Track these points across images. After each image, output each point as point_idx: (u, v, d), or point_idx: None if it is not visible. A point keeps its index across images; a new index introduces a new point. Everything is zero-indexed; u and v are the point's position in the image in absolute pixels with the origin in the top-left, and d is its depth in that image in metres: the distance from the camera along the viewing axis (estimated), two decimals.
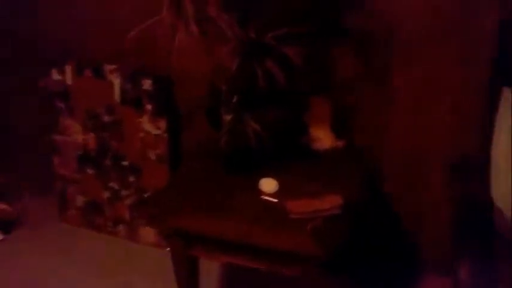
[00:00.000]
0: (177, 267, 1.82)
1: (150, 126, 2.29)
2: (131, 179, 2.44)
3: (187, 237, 1.72)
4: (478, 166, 1.46)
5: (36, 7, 2.40)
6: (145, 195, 2.42)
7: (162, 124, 2.27)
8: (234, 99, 1.73)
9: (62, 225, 2.67)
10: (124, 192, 2.48)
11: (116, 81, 2.28)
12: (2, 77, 2.60)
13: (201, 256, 1.81)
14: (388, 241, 2.08)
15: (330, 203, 1.65)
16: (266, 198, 1.72)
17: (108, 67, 2.28)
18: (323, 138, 1.99)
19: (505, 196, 1.40)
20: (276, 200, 1.70)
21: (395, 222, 2.04)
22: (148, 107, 2.26)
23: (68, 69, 2.36)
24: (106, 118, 2.37)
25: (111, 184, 2.49)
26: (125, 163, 2.42)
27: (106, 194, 2.52)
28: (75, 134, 2.48)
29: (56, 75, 2.39)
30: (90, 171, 2.52)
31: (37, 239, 2.58)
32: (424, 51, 1.76)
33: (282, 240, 1.56)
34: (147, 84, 2.22)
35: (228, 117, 1.78)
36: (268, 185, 1.76)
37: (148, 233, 2.49)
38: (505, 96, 1.41)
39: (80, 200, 2.60)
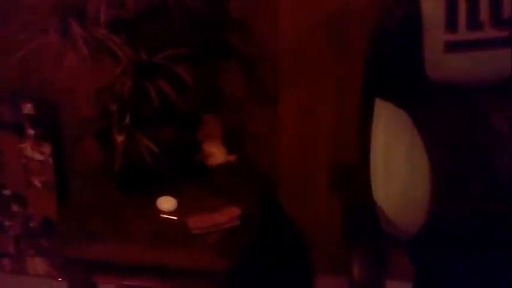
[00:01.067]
0: None
1: (33, 153, 2.17)
2: (15, 208, 2.29)
3: (87, 265, 1.67)
4: (358, 173, 1.62)
5: None
6: (32, 225, 2.28)
7: (47, 149, 2.16)
8: (127, 120, 1.72)
9: None
10: (8, 223, 2.31)
11: None
12: None
13: (104, 282, 1.76)
14: (286, 247, 2.20)
15: (229, 215, 1.71)
16: (165, 216, 1.73)
17: None
18: (216, 154, 2.04)
19: (384, 197, 1.58)
20: (175, 218, 1.72)
21: (291, 228, 2.17)
22: (31, 131, 2.14)
23: None
24: None
25: None
26: (7, 192, 2.26)
27: None
28: None
29: None
30: None
31: None
32: (306, 72, 1.91)
33: (185, 257, 1.58)
34: (27, 108, 2.11)
35: (120, 138, 1.76)
36: (166, 203, 1.77)
37: (36, 264, 2.35)
38: (377, 107, 1.58)
39: None
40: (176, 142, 1.84)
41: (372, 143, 1.61)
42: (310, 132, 2.01)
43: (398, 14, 1.44)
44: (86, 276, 1.70)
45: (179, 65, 1.54)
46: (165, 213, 1.74)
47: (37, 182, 2.22)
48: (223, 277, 1.56)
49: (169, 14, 1.45)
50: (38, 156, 2.18)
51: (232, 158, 2.07)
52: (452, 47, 1.51)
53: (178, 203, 1.77)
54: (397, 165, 1.57)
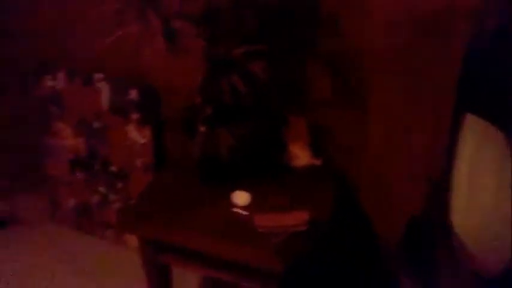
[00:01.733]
0: (148, 274, 1.86)
1: (136, 135, 2.34)
2: (119, 185, 2.49)
3: (158, 245, 1.76)
4: (440, 189, 1.46)
5: (35, 7, 2.46)
6: (131, 202, 2.47)
7: (148, 133, 2.31)
8: (208, 112, 1.77)
9: (52, 226, 2.74)
10: (112, 197, 2.53)
11: (104, 89, 2.34)
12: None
13: (170, 264, 1.84)
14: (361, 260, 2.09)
15: (297, 219, 1.67)
16: (237, 210, 1.75)
17: (96, 75, 2.34)
18: (300, 156, 2.01)
19: (464, 222, 1.40)
20: (246, 213, 1.72)
21: (370, 241, 2.05)
22: (134, 116, 2.31)
23: (60, 75, 2.43)
24: (95, 124, 2.43)
25: (100, 188, 2.55)
26: (113, 169, 2.47)
27: (95, 198, 2.58)
28: (67, 138, 2.54)
29: (49, 81, 2.46)
30: (80, 174, 2.58)
31: (28, 238, 2.66)
32: (396, 74, 1.77)
33: (245, 253, 1.59)
34: (133, 93, 2.27)
35: (202, 129, 1.82)
36: (240, 197, 1.79)
37: (133, 238, 2.53)
38: (467, 123, 1.41)
39: (71, 202, 2.67)
40: (256, 139, 1.84)
41: (457, 160, 1.44)
42: (399, 142, 1.86)
43: (491, 25, 1.26)
44: (155, 255, 1.79)
45: (255, 61, 1.52)
46: (237, 207, 1.76)
47: (138, 163, 2.39)
48: (279, 278, 1.53)
49: (248, 8, 1.44)
50: (140, 139, 2.34)
51: (317, 162, 2.01)
52: None
53: (252, 199, 1.77)
54: (482, 188, 1.38)
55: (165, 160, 2.42)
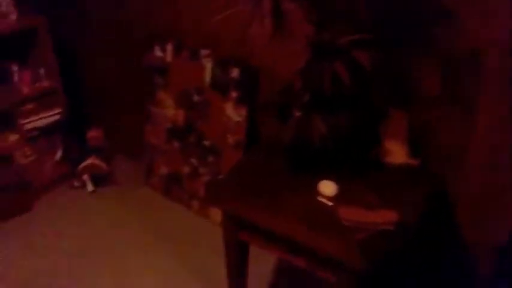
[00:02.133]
0: (227, 248, 1.90)
1: (233, 113, 2.39)
2: (210, 159, 2.57)
3: (240, 223, 1.79)
4: None
5: None
6: (220, 177, 2.54)
7: (244, 112, 2.35)
8: (305, 98, 1.75)
9: (145, 190, 2.90)
10: (202, 170, 2.62)
11: (208, 65, 2.40)
12: (111, 51, 2.87)
13: (249, 242, 1.87)
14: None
15: (384, 218, 1.62)
16: (322, 200, 1.73)
17: (203, 51, 2.40)
18: (396, 153, 1.92)
19: None
20: (331, 204, 1.70)
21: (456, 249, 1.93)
22: (234, 94, 2.35)
23: (169, 47, 2.53)
24: (195, 98, 2.51)
25: (192, 160, 2.64)
26: (206, 143, 2.55)
27: (186, 169, 2.68)
28: (168, 108, 2.66)
29: (158, 52, 2.58)
30: (176, 144, 2.70)
31: (121, 197, 2.85)
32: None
33: (327, 243, 1.57)
34: (235, 72, 2.31)
35: (297, 114, 1.80)
36: (327, 187, 1.76)
37: (217, 212, 2.61)
38: None
39: (163, 170, 2.80)
40: (352, 131, 1.79)
41: None
42: (508, 149, 1.72)
43: None
44: (235, 232, 1.83)
45: (362, 50, 1.48)
46: (323, 197, 1.74)
47: (231, 140, 2.45)
48: (359, 275, 1.49)
49: None
50: (236, 117, 2.39)
51: (413, 162, 1.92)
52: None
53: (339, 191, 1.74)
54: None
55: (257, 140, 2.45)
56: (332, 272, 1.59)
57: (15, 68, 2.53)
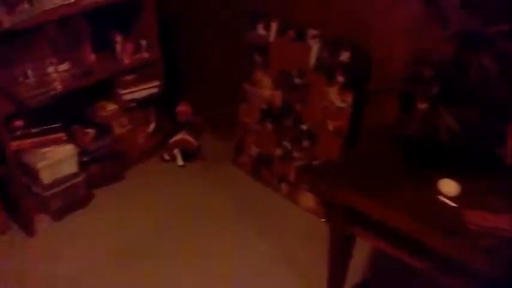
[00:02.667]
0: (333, 240, 1.83)
1: (336, 98, 2.29)
2: (305, 143, 2.50)
3: (349, 214, 1.72)
4: None
5: None
6: (314, 163, 2.47)
7: (349, 98, 2.25)
8: (435, 89, 1.63)
9: (233, 168, 2.88)
10: (296, 154, 2.55)
11: (315, 47, 2.31)
12: (210, 28, 2.83)
13: (358, 236, 1.79)
14: None
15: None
16: (443, 199, 1.62)
17: (310, 31, 2.31)
18: None
19: None
20: (454, 205, 1.59)
21: None
22: (340, 78, 2.26)
23: (273, 26, 2.45)
24: (296, 80, 2.44)
25: (285, 143, 2.58)
26: (304, 127, 2.48)
27: (278, 151, 2.63)
28: (265, 88, 2.60)
29: (261, 30, 2.51)
30: (269, 125, 2.64)
31: (209, 174, 2.84)
32: None
33: (449, 245, 1.47)
34: (344, 55, 2.21)
35: (422, 106, 1.69)
36: (449, 186, 1.65)
37: (307, 198, 2.55)
38: None
39: (254, 150, 2.76)
40: (480, 127, 1.66)
41: None
42: None
43: None
44: (346, 224, 1.76)
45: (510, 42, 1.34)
46: (444, 196, 1.63)
47: (331, 126, 2.36)
48: (488, 283, 1.39)
49: None
50: (340, 103, 2.29)
51: None
52: None
53: (462, 191, 1.63)
54: None
55: (357, 129, 2.35)
56: (459, 279, 1.49)
57: (118, 38, 2.55)
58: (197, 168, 2.89)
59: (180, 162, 2.88)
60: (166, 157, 2.90)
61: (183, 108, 3.06)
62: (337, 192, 1.73)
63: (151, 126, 2.92)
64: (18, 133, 2.27)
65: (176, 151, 2.88)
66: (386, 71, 2.10)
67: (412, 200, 1.62)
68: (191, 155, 2.93)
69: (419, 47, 1.67)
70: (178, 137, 2.88)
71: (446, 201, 1.61)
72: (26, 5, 2.11)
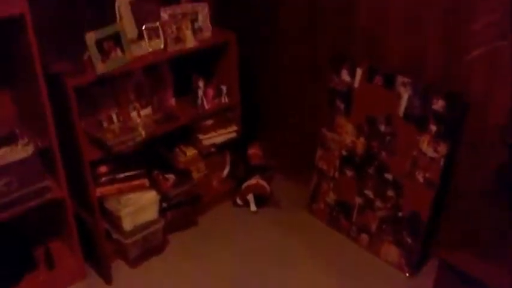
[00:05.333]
0: None
1: (428, 148, 2.19)
2: (390, 193, 2.39)
3: (460, 276, 1.60)
4: None
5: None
6: (400, 214, 2.35)
7: (443, 148, 2.14)
8: None
9: (306, 216, 2.78)
10: (378, 204, 2.44)
11: (405, 94, 2.23)
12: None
13: None
14: None
15: None
16: None
17: (400, 78, 2.24)
18: None
19: None
20: None
21: None
22: (433, 127, 2.16)
23: (359, 72, 2.40)
24: (383, 128, 2.35)
25: (367, 192, 2.48)
26: (388, 176, 2.37)
27: (359, 200, 2.53)
28: (346, 135, 2.53)
29: (345, 76, 2.46)
30: (349, 173, 2.55)
31: (282, 220, 2.75)
32: None
33: None
34: (438, 104, 2.12)
35: None
36: None
37: (391, 251, 2.42)
38: None
39: (331, 197, 2.67)
40: None
41: None
42: None
43: None
44: (453, 284, 1.64)
45: None
46: None
47: (420, 177, 2.25)
48: None
49: None
50: (431, 153, 2.18)
51: None
52: None
53: None
54: None
55: (448, 181, 2.23)
56: None
57: (201, 83, 2.55)
58: (270, 214, 2.81)
59: (253, 207, 2.81)
60: (239, 202, 2.85)
61: (254, 151, 3.02)
62: (447, 254, 1.62)
63: (226, 171, 2.88)
64: (103, 179, 2.27)
65: (249, 196, 2.81)
66: (485, 121, 1.99)
67: None
68: (264, 200, 2.86)
69: None
70: (251, 181, 2.82)
71: None
72: (119, 53, 2.14)
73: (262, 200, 2.86)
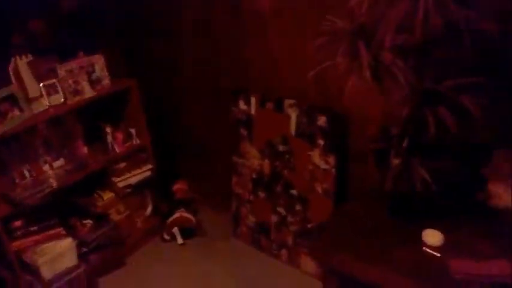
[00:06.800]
0: None
1: (320, 161, 2.37)
2: (298, 207, 2.54)
3: (343, 279, 1.73)
4: None
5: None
6: (309, 226, 2.50)
7: (332, 160, 2.32)
8: (404, 144, 1.70)
9: (232, 241, 2.91)
10: (290, 219, 2.59)
11: (293, 114, 2.42)
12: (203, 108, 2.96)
13: None
14: None
15: (500, 269, 1.50)
16: (428, 250, 1.64)
17: (287, 101, 2.43)
18: (503, 195, 1.81)
19: None
20: (438, 255, 1.61)
21: None
22: (320, 142, 2.34)
23: (253, 100, 2.58)
24: (281, 148, 2.52)
25: (279, 209, 2.63)
26: (294, 192, 2.54)
27: (274, 218, 2.67)
28: (253, 159, 2.69)
29: (242, 105, 2.64)
30: (262, 194, 2.70)
31: (210, 249, 2.86)
32: None
33: None
34: (321, 120, 2.31)
35: (396, 161, 1.75)
36: (432, 236, 1.68)
37: (308, 262, 2.56)
38: None
39: (250, 220, 2.80)
40: (454, 175, 1.71)
41: None
42: None
43: None
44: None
45: (466, 94, 1.42)
46: (428, 247, 1.66)
47: (319, 188, 2.42)
48: None
49: (459, 40, 1.35)
50: (323, 165, 2.36)
51: None
52: None
53: (445, 240, 1.65)
54: None
55: (346, 188, 2.40)
56: None
57: (108, 129, 2.67)
58: (198, 245, 2.92)
59: (180, 240, 2.91)
60: (166, 237, 2.94)
61: (179, 186, 3.14)
62: (332, 258, 1.76)
63: (149, 209, 2.99)
64: (18, 233, 2.34)
65: (175, 230, 2.92)
66: (362, 132, 2.19)
67: (401, 257, 1.62)
68: (191, 231, 2.97)
69: (385, 109, 1.76)
70: (176, 215, 2.93)
71: (431, 252, 1.63)
72: (16, 112, 2.26)
73: (189, 232, 2.97)
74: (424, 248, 1.66)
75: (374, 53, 1.42)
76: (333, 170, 2.34)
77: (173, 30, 2.81)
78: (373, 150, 1.90)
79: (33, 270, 2.35)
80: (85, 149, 2.66)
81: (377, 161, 1.87)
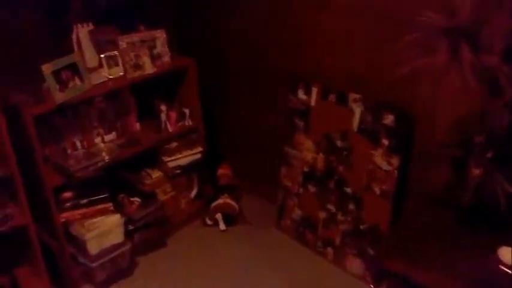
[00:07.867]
0: None
1: (382, 161, 2.26)
2: (351, 206, 2.45)
3: (403, 284, 1.65)
4: None
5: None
6: (361, 227, 2.41)
7: (395, 161, 2.22)
8: (489, 154, 1.60)
9: (275, 232, 2.84)
10: (340, 217, 2.50)
11: (357, 110, 2.31)
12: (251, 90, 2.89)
13: None
14: None
15: None
16: (504, 268, 1.55)
17: (352, 95, 2.32)
18: None
19: None
20: None
21: None
22: (385, 141, 2.23)
23: (314, 91, 2.48)
24: (339, 143, 2.43)
25: (329, 206, 2.54)
26: (348, 190, 2.44)
27: (322, 214, 2.59)
28: (306, 152, 2.60)
29: (301, 95, 2.54)
30: (312, 188, 2.61)
31: (251, 238, 2.80)
32: None
33: None
34: (389, 119, 2.20)
35: (476, 171, 1.65)
36: (509, 254, 1.58)
37: (355, 264, 2.47)
38: None
39: (297, 213, 2.72)
40: None
41: None
42: None
43: None
44: None
45: None
46: (505, 265, 1.56)
47: (377, 189, 2.32)
48: None
49: None
50: (386, 166, 2.26)
51: None
52: None
53: None
54: None
55: (404, 191, 2.30)
56: None
57: (163, 107, 2.62)
58: (239, 233, 2.86)
59: (222, 226, 2.86)
60: (209, 222, 2.89)
61: (223, 172, 3.08)
62: (392, 262, 1.68)
63: (194, 192, 2.93)
64: (67, 205, 2.31)
65: (218, 215, 2.86)
66: (431, 135, 2.07)
67: (471, 270, 1.55)
68: (233, 218, 2.91)
69: (466, 114, 1.66)
70: (219, 201, 2.88)
71: (507, 271, 1.54)
72: (77, 82, 2.21)
73: (231, 219, 2.91)
74: (500, 265, 1.56)
75: (477, 55, 1.32)
76: (395, 172, 2.23)
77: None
78: (450, 156, 1.80)
79: (79, 244, 2.33)
80: (137, 125, 2.60)
81: (454, 169, 1.77)
